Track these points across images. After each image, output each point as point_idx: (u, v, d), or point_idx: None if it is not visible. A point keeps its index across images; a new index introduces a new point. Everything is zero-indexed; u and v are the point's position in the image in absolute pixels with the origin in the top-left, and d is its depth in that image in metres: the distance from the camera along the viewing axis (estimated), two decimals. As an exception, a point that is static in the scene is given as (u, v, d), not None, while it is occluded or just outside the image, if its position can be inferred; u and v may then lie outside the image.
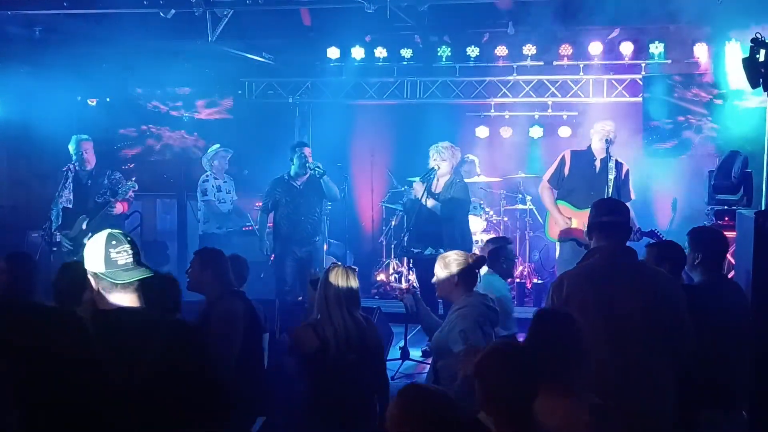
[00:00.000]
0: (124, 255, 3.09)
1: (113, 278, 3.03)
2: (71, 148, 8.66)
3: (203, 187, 9.62)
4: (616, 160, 7.61)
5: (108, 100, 11.60)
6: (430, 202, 7.77)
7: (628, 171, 7.67)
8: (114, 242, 3.09)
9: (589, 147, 7.71)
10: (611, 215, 4.31)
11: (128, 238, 3.16)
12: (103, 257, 3.06)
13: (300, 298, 7.95)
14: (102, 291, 3.05)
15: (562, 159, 7.79)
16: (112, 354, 2.35)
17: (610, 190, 7.43)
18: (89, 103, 11.55)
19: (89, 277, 3.10)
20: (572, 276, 4.26)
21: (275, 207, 8.67)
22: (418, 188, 7.86)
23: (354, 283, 4.70)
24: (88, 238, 8.06)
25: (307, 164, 8.46)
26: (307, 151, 8.56)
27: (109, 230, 3.17)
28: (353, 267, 4.84)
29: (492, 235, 10.24)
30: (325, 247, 9.92)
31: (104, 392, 2.11)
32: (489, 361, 2.96)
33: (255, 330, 5.11)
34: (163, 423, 2.21)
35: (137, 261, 3.13)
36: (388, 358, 7.32)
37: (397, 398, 2.72)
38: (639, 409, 3.90)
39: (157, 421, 2.21)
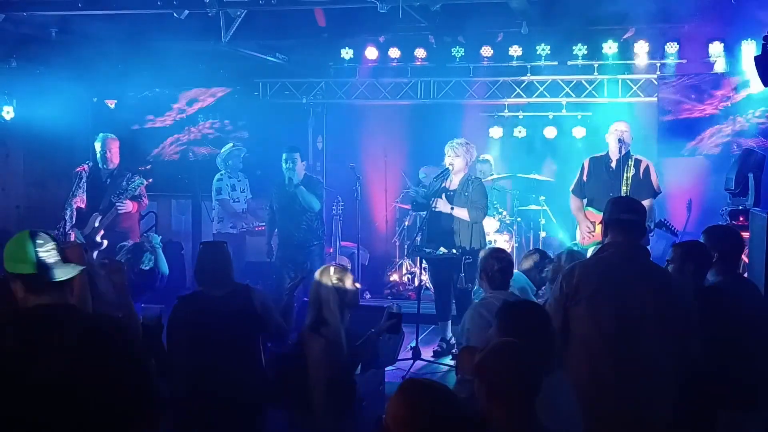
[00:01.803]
0: (52, 254, 3.06)
1: (46, 277, 2.99)
2: (97, 145, 8.72)
3: (218, 186, 9.68)
4: (635, 158, 7.64)
5: (124, 101, 11.66)
6: (458, 211, 7.75)
7: (648, 166, 7.68)
8: (40, 242, 3.06)
9: (608, 151, 7.77)
10: (629, 213, 4.30)
11: (51, 236, 3.12)
12: (34, 258, 3.02)
13: None
14: (26, 291, 3.00)
15: (582, 167, 7.95)
16: (30, 350, 2.33)
17: (629, 188, 7.47)
18: (108, 104, 11.61)
19: (12, 278, 3.04)
20: (585, 266, 4.26)
21: (273, 211, 8.71)
22: (442, 205, 7.83)
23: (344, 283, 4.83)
24: (101, 236, 8.14)
25: (286, 173, 8.46)
26: (296, 156, 8.54)
27: (29, 231, 3.13)
28: (342, 265, 4.91)
29: (505, 236, 10.26)
30: (330, 250, 9.94)
31: (21, 389, 2.09)
32: (491, 358, 2.95)
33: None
34: (82, 421, 2.18)
35: (63, 259, 3.10)
36: (399, 358, 7.32)
37: (398, 394, 2.66)
38: (635, 406, 3.91)
39: (74, 419, 2.18)
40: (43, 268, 3.03)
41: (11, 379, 2.07)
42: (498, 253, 5.35)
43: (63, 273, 3.06)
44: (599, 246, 4.57)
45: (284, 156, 8.56)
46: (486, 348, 3.02)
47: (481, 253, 5.49)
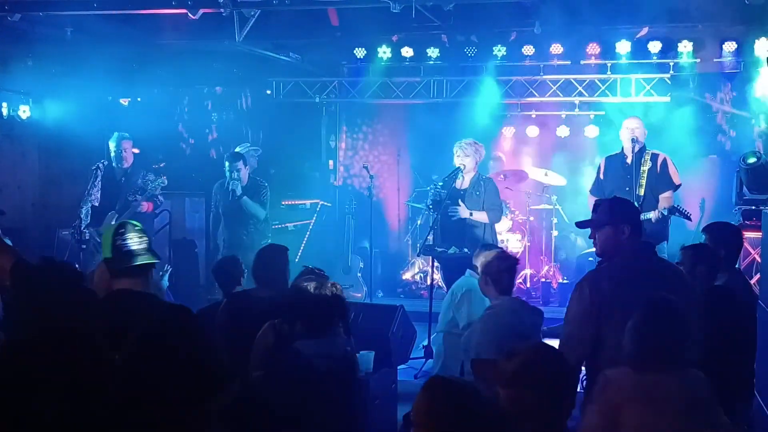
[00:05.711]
0: (134, 241, 3.30)
1: (120, 263, 3.24)
2: (112, 145, 8.80)
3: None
4: (651, 152, 7.64)
5: (139, 99, 11.73)
6: (477, 215, 7.77)
7: (665, 160, 7.66)
8: (121, 231, 3.31)
9: (622, 148, 7.78)
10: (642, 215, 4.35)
11: (137, 227, 3.36)
12: (110, 244, 3.26)
13: None
14: (110, 276, 3.26)
15: (598, 166, 7.97)
16: (105, 330, 2.48)
17: (645, 182, 7.45)
18: (121, 102, 11.68)
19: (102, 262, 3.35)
20: (614, 274, 4.12)
21: (218, 213, 8.80)
22: (462, 211, 7.83)
23: None
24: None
25: (228, 182, 8.47)
26: (239, 164, 8.55)
27: (122, 221, 3.42)
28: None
29: (517, 235, 10.27)
30: None
31: (95, 367, 2.21)
32: (536, 364, 2.88)
33: None
34: (150, 400, 2.30)
35: (146, 248, 3.34)
36: (412, 356, 7.35)
37: (424, 392, 2.65)
38: None
39: (142, 398, 2.31)
40: (120, 254, 3.37)
41: (97, 357, 2.22)
42: (501, 254, 5.29)
43: (140, 260, 3.39)
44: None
45: (227, 165, 8.60)
46: (523, 355, 2.92)
47: (481, 258, 5.38)
